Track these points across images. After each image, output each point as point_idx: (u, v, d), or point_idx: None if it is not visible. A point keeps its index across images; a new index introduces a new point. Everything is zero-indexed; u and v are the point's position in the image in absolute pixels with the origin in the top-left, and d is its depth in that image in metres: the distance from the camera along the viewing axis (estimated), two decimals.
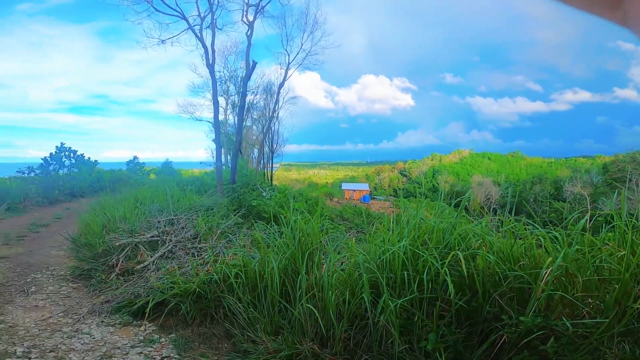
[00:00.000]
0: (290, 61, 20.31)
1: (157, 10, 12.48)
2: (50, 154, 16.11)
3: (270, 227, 3.70)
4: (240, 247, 3.90)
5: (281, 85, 21.59)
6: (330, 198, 38.70)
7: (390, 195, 60.12)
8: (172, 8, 12.46)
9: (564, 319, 2.05)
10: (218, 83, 14.09)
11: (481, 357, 2.20)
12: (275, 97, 23.30)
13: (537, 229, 2.54)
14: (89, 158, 17.96)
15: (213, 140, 26.63)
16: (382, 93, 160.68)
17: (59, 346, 3.04)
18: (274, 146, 27.03)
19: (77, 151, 17.40)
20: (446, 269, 2.24)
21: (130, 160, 24.56)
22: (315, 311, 2.52)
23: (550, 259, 2.19)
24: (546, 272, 2.10)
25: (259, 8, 13.60)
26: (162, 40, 13.08)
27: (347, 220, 15.31)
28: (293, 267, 2.97)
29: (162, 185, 10.48)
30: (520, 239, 2.57)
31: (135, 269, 4.54)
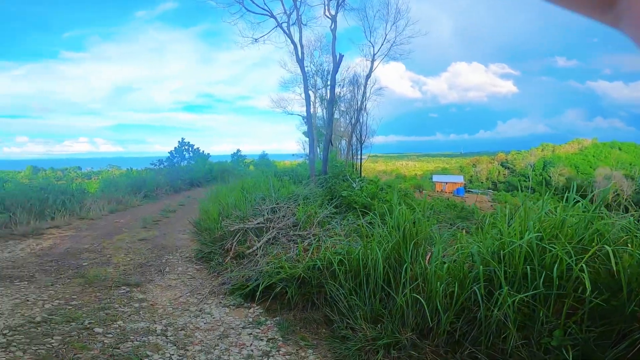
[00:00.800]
0: (375, 52, 20.06)
1: (248, 10, 13.32)
2: (175, 148, 19.05)
3: (364, 217, 3.73)
4: (341, 235, 4.01)
5: (368, 76, 21.54)
6: (420, 190, 37.11)
7: (489, 189, 54.76)
8: (261, 7, 13.22)
9: None
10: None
11: (616, 356, 1.97)
12: (363, 89, 23.25)
13: None
14: (203, 151, 20.65)
15: (303, 133, 27.94)
16: (476, 80, 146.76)
17: (187, 325, 3.34)
18: (363, 138, 27.01)
19: (194, 145, 20.20)
20: (583, 265, 1.99)
21: (234, 153, 27.42)
22: (423, 300, 2.47)
23: None
24: None
25: (340, 1, 13.60)
26: (255, 39, 14.01)
27: (439, 213, 14.52)
28: (397, 256, 2.95)
29: (262, 176, 11.40)
30: None
31: (245, 253, 4.99)
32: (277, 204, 6.65)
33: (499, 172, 64.46)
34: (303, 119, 24.88)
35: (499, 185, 59.17)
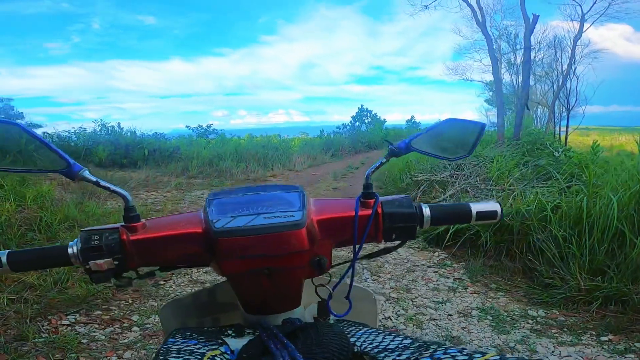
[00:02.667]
0: (584, 12, 15.46)
1: None
2: (356, 113, 20.81)
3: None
4: (552, 186, 3.61)
5: (576, 38, 17.11)
6: None
7: None
8: None
9: None
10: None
11: None
12: (570, 52, 18.80)
13: None
14: (380, 117, 21.70)
15: (485, 101, 25.17)
16: None
17: (377, 258, 3.82)
18: (570, 105, 22.00)
19: (372, 111, 21.48)
20: None
21: (408, 120, 27.59)
22: None
23: None
24: None
25: None
26: (426, 6, 13.07)
27: None
28: (637, 206, 2.48)
29: None
30: None
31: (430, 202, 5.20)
32: (462, 161, 6.45)
33: None
34: (485, 86, 22.39)
35: None
